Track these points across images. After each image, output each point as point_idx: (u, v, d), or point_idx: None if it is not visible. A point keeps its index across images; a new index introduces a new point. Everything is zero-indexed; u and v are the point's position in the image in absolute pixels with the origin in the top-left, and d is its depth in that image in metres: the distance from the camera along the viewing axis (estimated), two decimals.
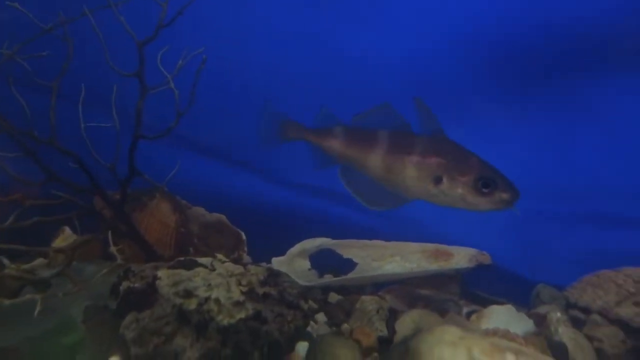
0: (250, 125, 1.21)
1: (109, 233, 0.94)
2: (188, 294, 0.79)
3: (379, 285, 1.31)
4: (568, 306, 1.21)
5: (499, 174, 1.00)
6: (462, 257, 1.17)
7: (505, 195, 0.98)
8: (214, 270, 0.86)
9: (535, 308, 1.27)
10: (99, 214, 1.03)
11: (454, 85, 1.46)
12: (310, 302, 1.11)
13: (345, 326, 1.02)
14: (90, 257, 1.07)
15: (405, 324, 1.00)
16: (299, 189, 1.54)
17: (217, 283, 0.81)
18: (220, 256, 0.93)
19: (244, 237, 1.24)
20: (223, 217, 1.25)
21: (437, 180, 1.01)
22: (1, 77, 0.93)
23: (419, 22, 1.42)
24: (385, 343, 0.97)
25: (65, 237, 1.16)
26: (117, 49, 0.95)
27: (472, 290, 1.33)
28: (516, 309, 1.14)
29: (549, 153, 1.52)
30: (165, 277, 0.82)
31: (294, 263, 1.25)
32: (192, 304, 0.77)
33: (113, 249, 0.91)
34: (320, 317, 1.07)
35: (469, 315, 1.18)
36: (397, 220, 1.52)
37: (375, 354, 0.92)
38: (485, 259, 1.15)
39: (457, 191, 1.00)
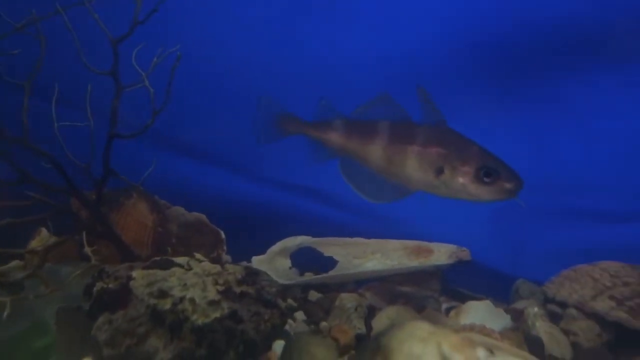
0: (240, 123, 1.19)
1: (84, 234, 0.93)
2: (163, 294, 0.78)
3: (360, 283, 1.31)
4: (546, 301, 1.22)
5: (502, 163, 0.97)
6: (442, 254, 1.17)
7: (508, 185, 0.95)
8: (190, 269, 0.85)
9: (514, 303, 1.28)
10: (74, 214, 1.02)
11: (438, 80, 1.46)
12: (289, 300, 1.11)
13: (323, 324, 1.02)
14: (67, 258, 1.06)
15: (381, 321, 1.00)
16: (280, 186, 1.54)
17: (192, 283, 0.80)
18: (198, 255, 0.92)
19: (223, 236, 1.23)
20: (202, 217, 1.24)
21: (439, 171, 0.99)
22: None
23: (402, 20, 1.42)
24: (362, 340, 0.96)
25: (42, 238, 1.14)
26: (97, 48, 0.94)
27: (453, 286, 1.34)
28: (494, 305, 1.16)
29: (528, 148, 1.52)
30: (139, 277, 0.80)
31: (275, 261, 1.24)
32: (166, 304, 0.76)
33: (87, 249, 0.90)
34: (299, 315, 1.07)
35: (448, 311, 1.19)
36: (378, 218, 1.52)
37: (353, 352, 0.92)
38: (465, 255, 1.15)
39: (459, 181, 0.98)
